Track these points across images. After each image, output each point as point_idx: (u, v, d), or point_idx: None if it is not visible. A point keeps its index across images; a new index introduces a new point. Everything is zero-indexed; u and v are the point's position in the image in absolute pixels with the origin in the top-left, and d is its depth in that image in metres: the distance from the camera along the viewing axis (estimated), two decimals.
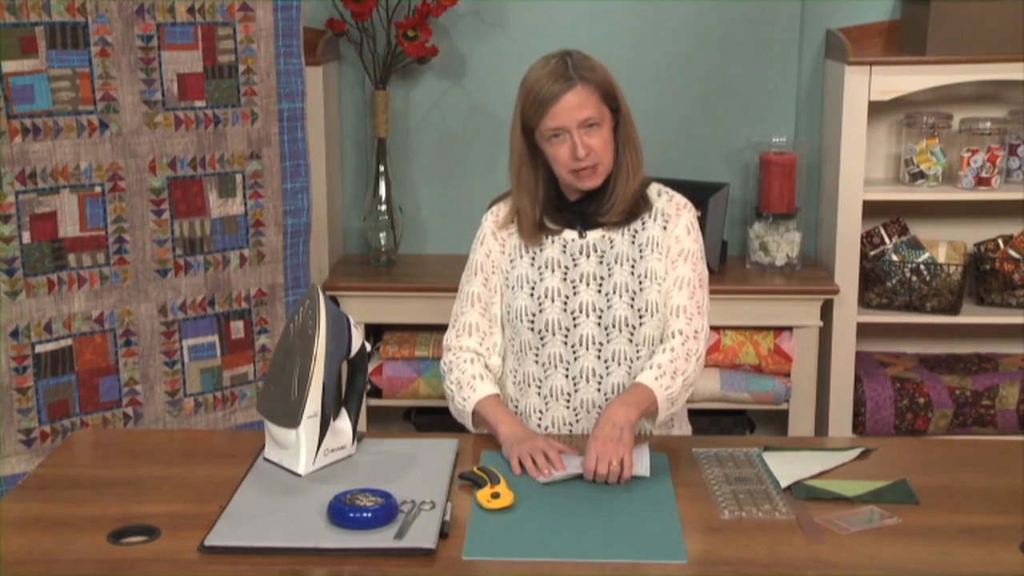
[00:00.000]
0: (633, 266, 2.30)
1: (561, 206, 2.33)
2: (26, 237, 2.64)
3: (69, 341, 2.73)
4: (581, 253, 2.32)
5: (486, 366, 2.35)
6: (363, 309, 3.39)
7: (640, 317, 2.29)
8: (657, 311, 2.29)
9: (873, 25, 3.51)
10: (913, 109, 3.51)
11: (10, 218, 2.61)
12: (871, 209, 3.45)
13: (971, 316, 3.51)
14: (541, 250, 2.34)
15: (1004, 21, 3.26)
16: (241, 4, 2.86)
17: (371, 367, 3.41)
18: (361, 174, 3.70)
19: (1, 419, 2.64)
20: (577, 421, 2.33)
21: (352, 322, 2.15)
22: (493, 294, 2.37)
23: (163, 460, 2.22)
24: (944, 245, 3.51)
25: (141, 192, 2.79)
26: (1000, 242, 3.54)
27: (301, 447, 2.05)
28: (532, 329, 2.32)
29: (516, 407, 2.37)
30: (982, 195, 3.43)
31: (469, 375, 2.32)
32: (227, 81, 2.87)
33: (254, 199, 2.95)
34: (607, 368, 2.31)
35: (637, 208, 2.32)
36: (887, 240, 3.55)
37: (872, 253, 3.53)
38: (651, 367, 2.23)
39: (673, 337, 2.27)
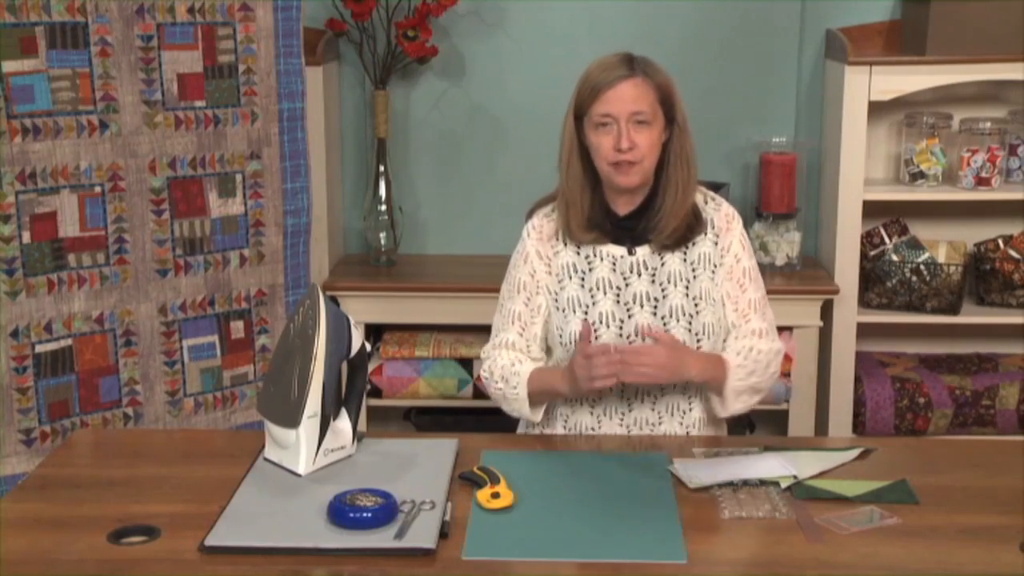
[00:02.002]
0: (687, 287, 2.27)
1: (611, 221, 2.29)
2: (26, 237, 2.64)
3: (69, 341, 2.73)
4: (632, 271, 2.27)
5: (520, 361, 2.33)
6: (363, 309, 3.39)
7: (697, 340, 2.26)
8: (714, 332, 2.27)
9: (873, 25, 3.51)
10: (913, 109, 3.51)
11: (10, 218, 2.61)
12: (871, 209, 3.45)
13: (971, 316, 3.51)
14: (591, 270, 2.28)
15: (1004, 21, 3.26)
16: (241, 4, 2.86)
17: (371, 367, 3.40)
18: (361, 174, 3.70)
19: (1, 419, 2.64)
20: (629, 435, 2.32)
21: (352, 322, 2.15)
22: (535, 314, 2.32)
23: (163, 460, 2.21)
24: (944, 245, 3.51)
25: (141, 192, 2.79)
26: (1000, 242, 3.53)
27: (301, 447, 2.05)
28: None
29: (566, 422, 2.34)
30: (982, 195, 3.43)
31: (506, 364, 2.29)
32: (227, 81, 2.87)
33: (254, 199, 2.95)
34: (661, 388, 2.29)
35: (690, 231, 2.28)
36: (887, 240, 3.55)
37: (872, 253, 3.53)
38: (736, 353, 2.25)
39: (758, 353, 2.27)
